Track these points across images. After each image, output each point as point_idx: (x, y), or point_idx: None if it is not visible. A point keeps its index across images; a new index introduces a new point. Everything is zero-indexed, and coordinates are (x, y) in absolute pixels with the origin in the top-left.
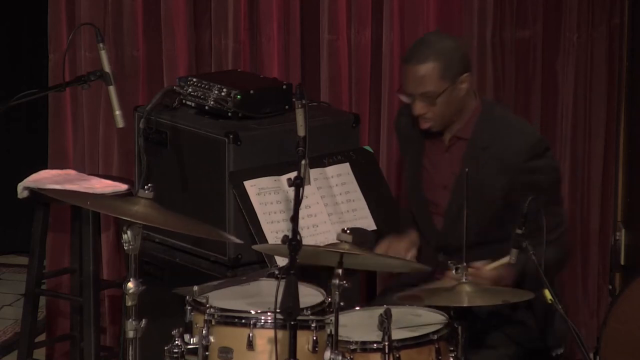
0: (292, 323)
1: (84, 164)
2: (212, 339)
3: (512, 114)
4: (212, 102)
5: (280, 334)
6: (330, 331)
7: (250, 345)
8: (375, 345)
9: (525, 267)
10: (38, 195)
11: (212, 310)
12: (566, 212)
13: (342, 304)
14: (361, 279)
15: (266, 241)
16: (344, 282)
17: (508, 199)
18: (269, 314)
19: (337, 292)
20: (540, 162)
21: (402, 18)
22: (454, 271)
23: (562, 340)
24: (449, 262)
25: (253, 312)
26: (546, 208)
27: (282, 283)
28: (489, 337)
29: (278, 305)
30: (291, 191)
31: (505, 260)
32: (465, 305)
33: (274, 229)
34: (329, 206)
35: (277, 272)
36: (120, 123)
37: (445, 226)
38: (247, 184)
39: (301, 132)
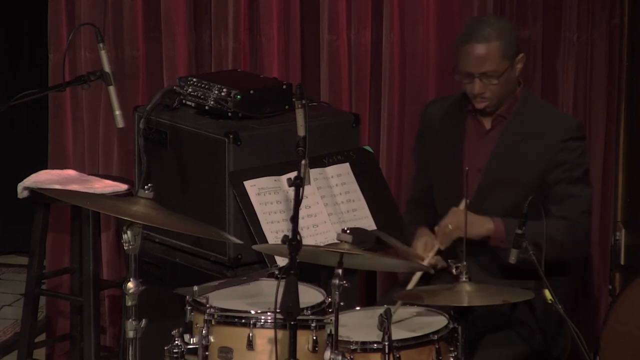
0: (292, 323)
1: (84, 164)
2: (212, 338)
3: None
4: (212, 102)
5: (280, 334)
6: (330, 331)
7: (250, 345)
8: (375, 345)
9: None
10: (38, 195)
11: (212, 310)
12: (592, 196)
13: (342, 304)
14: (361, 279)
15: (266, 241)
16: (344, 282)
17: (542, 180)
18: (269, 314)
19: (337, 292)
20: (576, 144)
21: (402, 18)
22: (453, 270)
23: (566, 350)
24: (449, 260)
25: (253, 312)
26: (574, 186)
27: (282, 283)
28: (489, 338)
29: (278, 305)
30: (291, 191)
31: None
32: (465, 305)
33: (274, 229)
34: (329, 206)
35: (277, 272)
36: (120, 123)
37: (473, 209)
38: (247, 184)
39: (301, 132)
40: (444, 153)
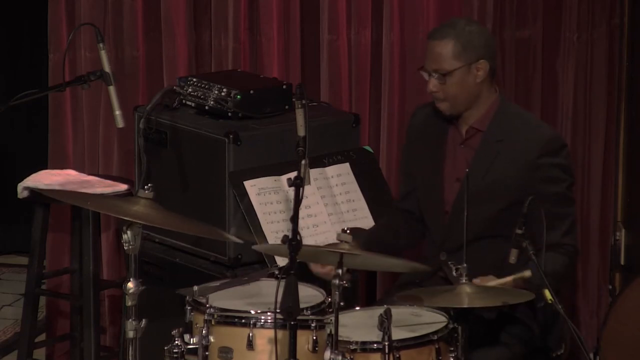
0: (292, 323)
1: (84, 164)
2: (212, 338)
3: (528, 112)
4: (212, 102)
5: (280, 334)
6: (330, 331)
7: (250, 345)
8: (375, 345)
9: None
10: (38, 195)
11: (212, 310)
12: (576, 214)
13: (342, 304)
14: (361, 279)
15: (266, 241)
16: (344, 282)
17: (518, 195)
18: (269, 314)
19: (337, 292)
20: (554, 160)
21: (402, 18)
22: (454, 272)
23: (562, 341)
24: (450, 262)
25: (253, 312)
26: (554, 209)
27: (282, 283)
28: (489, 337)
29: (278, 305)
30: (291, 191)
31: (509, 279)
32: (465, 306)
33: (274, 229)
34: (329, 206)
35: (277, 272)
36: (120, 123)
37: (451, 220)
38: (247, 184)
39: (301, 132)
40: (426, 161)
